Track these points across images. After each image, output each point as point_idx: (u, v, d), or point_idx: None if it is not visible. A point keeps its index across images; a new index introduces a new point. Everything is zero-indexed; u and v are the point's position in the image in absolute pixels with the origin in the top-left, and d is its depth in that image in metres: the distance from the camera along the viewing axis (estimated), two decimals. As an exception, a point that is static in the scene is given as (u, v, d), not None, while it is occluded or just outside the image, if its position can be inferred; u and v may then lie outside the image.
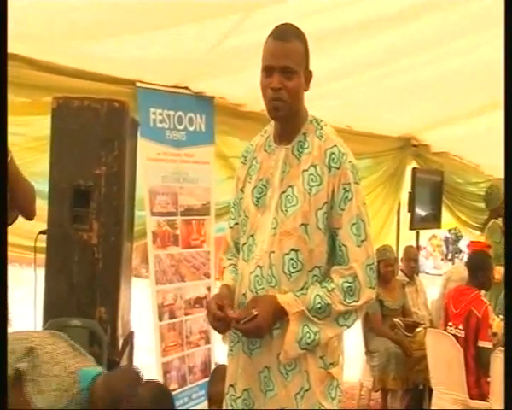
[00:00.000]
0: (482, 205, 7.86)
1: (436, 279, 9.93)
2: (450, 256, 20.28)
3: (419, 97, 5.47)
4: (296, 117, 2.36)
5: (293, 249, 2.29)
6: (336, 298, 2.27)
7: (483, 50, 4.55)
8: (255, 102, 4.67)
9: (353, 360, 5.52)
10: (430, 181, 7.52)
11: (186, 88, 4.59)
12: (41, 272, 3.43)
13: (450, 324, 4.92)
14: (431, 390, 5.23)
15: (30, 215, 2.77)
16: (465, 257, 7.89)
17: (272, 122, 2.45)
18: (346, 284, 2.28)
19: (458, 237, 18.63)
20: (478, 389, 4.76)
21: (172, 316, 4.49)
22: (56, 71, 3.80)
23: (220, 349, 3.82)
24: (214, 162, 4.89)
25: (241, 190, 2.48)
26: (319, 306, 2.26)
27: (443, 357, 4.91)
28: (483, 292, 5.11)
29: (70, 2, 3.10)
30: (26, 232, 3.51)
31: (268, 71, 2.28)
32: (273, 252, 2.31)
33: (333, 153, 2.30)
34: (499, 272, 5.91)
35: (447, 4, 3.86)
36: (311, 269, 2.31)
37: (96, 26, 3.40)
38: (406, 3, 3.72)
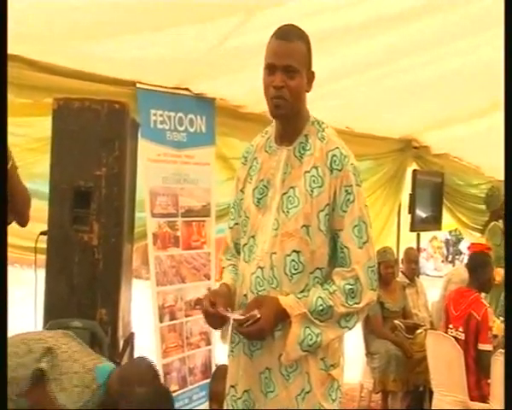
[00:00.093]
0: (483, 207, 7.84)
1: (436, 281, 9.92)
2: (450, 258, 20.29)
3: (419, 98, 5.47)
4: (298, 118, 2.36)
5: (294, 251, 2.29)
6: (338, 300, 2.27)
7: (483, 51, 4.55)
8: (256, 103, 4.68)
9: (354, 361, 5.51)
10: (431, 183, 7.51)
11: (187, 89, 4.59)
12: (41, 273, 3.42)
13: (450, 326, 4.91)
14: (431, 392, 5.22)
15: (24, 222, 2.79)
16: (466, 259, 7.87)
17: (273, 123, 2.45)
18: (348, 286, 2.28)
19: (459, 239, 18.64)
20: (478, 390, 4.76)
21: (173, 317, 4.49)
22: (56, 72, 3.80)
23: (221, 350, 3.82)
24: (215, 163, 4.89)
25: (242, 191, 2.48)
26: (321, 308, 2.26)
27: (443, 359, 4.91)
28: (483, 294, 5.10)
29: (70, 3, 3.10)
30: (27, 233, 3.49)
31: (270, 69, 2.28)
32: (274, 253, 2.31)
33: (335, 155, 2.31)
34: (500, 273, 5.90)
35: (447, 5, 3.86)
36: (312, 271, 2.31)
37: (96, 27, 3.40)
38: (406, 4, 3.72)
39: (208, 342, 4.77)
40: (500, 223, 7.15)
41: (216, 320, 2.32)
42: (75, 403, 2.70)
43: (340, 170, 2.29)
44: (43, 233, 3.45)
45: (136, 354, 3.64)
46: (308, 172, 2.32)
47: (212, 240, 4.82)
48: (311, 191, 2.29)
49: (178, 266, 4.54)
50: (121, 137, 3.41)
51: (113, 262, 3.37)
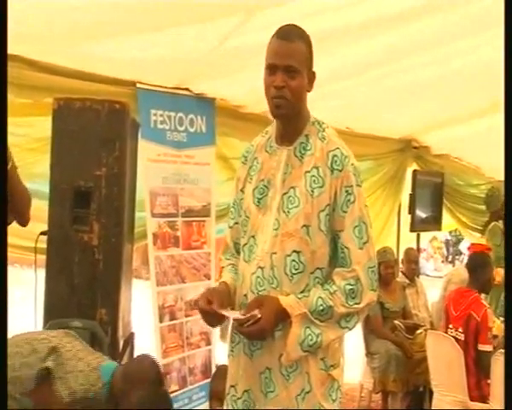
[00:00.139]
0: (483, 207, 7.84)
1: (436, 281, 9.91)
2: (450, 258, 20.30)
3: (419, 98, 5.47)
4: (298, 118, 2.36)
5: (294, 251, 2.29)
6: (338, 300, 2.27)
7: (483, 51, 4.55)
8: (256, 103, 4.68)
9: (354, 361, 5.52)
10: (431, 183, 7.52)
11: (187, 89, 4.59)
12: (41, 273, 3.43)
13: (450, 326, 4.91)
14: (431, 392, 5.22)
15: (25, 222, 2.79)
16: (466, 259, 7.87)
17: (274, 123, 2.45)
18: (349, 287, 2.28)
19: (459, 239, 18.64)
20: (478, 390, 4.75)
21: (173, 317, 4.49)
22: (57, 72, 3.80)
23: (221, 350, 3.82)
24: (215, 163, 4.89)
25: (242, 191, 2.47)
26: (321, 308, 2.26)
27: (443, 359, 4.91)
28: (483, 295, 5.10)
29: (70, 3, 3.10)
30: (27, 233, 3.49)
31: (271, 69, 2.28)
32: (275, 253, 2.31)
33: (335, 155, 2.31)
34: (500, 274, 5.90)
35: (447, 5, 3.87)
36: (312, 271, 2.31)
37: (96, 27, 3.40)
38: (406, 4, 3.72)
39: (208, 342, 4.77)
40: (500, 223, 7.15)
41: (213, 318, 2.32)
42: (80, 402, 2.71)
43: (340, 170, 2.29)
44: (43, 233, 3.45)
45: (135, 355, 3.64)
46: (309, 172, 2.32)
47: (213, 240, 4.82)
48: (312, 191, 2.29)
49: (178, 266, 4.53)
50: (121, 137, 3.41)
51: (113, 262, 3.37)
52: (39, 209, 3.13)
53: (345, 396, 4.90)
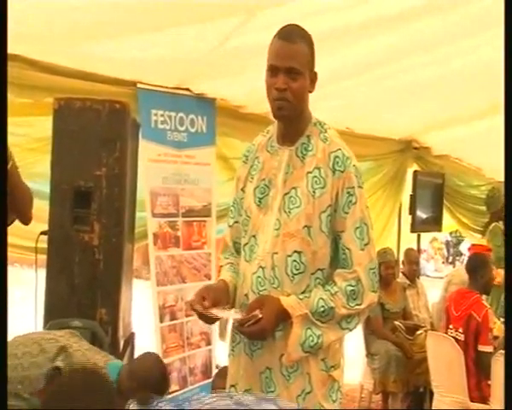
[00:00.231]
0: (483, 208, 7.84)
1: (437, 282, 9.92)
2: (451, 259, 20.29)
3: (419, 98, 5.47)
4: (300, 118, 2.36)
5: (296, 251, 2.29)
6: (339, 301, 2.27)
7: (483, 51, 4.55)
8: (256, 103, 4.68)
9: (354, 362, 5.51)
10: (431, 184, 7.51)
11: (187, 89, 4.59)
12: (42, 273, 3.43)
13: (450, 327, 4.91)
14: (432, 393, 5.21)
15: (27, 220, 2.79)
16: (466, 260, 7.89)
17: (275, 123, 2.44)
18: (350, 288, 2.28)
19: (459, 240, 18.64)
20: (478, 391, 4.75)
21: (173, 317, 4.48)
22: (57, 72, 3.80)
23: (221, 351, 3.82)
24: (215, 164, 4.89)
25: (242, 190, 2.47)
26: (322, 309, 2.26)
27: (443, 360, 4.90)
28: (484, 296, 5.09)
29: (70, 3, 3.10)
30: (27, 233, 3.50)
31: (273, 71, 2.27)
32: (276, 253, 2.31)
33: (337, 156, 2.30)
34: (500, 275, 5.89)
35: (447, 5, 3.86)
36: (313, 272, 2.30)
37: (96, 27, 3.40)
38: (406, 4, 3.72)
39: (209, 343, 4.77)
40: (501, 224, 7.14)
41: (207, 317, 2.30)
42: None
43: (342, 171, 2.29)
44: (43, 233, 3.46)
45: (136, 355, 3.64)
46: (310, 172, 2.31)
47: (213, 240, 4.82)
48: (313, 192, 2.29)
49: (179, 266, 4.53)
50: (122, 137, 3.41)
51: (113, 262, 3.38)
52: (40, 209, 3.13)
53: (345, 397, 4.89)
